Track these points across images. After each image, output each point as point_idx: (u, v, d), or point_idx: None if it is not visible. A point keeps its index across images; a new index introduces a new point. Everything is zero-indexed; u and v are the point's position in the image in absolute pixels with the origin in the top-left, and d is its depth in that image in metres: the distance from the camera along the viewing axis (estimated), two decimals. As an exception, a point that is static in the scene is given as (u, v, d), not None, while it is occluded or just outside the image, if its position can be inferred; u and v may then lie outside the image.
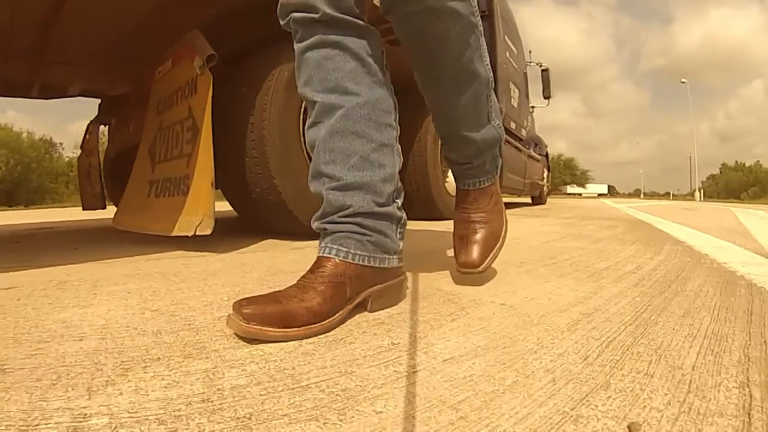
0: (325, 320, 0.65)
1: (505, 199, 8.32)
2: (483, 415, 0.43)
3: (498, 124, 0.97)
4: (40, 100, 3.08)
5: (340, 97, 0.74)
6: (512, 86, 4.60)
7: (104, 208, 3.14)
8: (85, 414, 0.43)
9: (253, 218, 2.00)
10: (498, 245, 0.98)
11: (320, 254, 0.73)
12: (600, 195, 45.13)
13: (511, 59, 4.59)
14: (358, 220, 0.74)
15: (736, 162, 59.73)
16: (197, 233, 1.44)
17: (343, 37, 0.74)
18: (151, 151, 1.93)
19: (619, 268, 1.25)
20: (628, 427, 0.40)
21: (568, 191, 50.38)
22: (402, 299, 0.84)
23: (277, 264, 1.30)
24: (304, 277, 0.71)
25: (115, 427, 0.40)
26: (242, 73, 1.80)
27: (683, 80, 42.08)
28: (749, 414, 0.42)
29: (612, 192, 51.94)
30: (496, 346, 0.62)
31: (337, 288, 0.69)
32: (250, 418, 0.42)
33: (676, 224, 2.99)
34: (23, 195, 26.48)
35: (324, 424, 0.41)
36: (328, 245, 0.73)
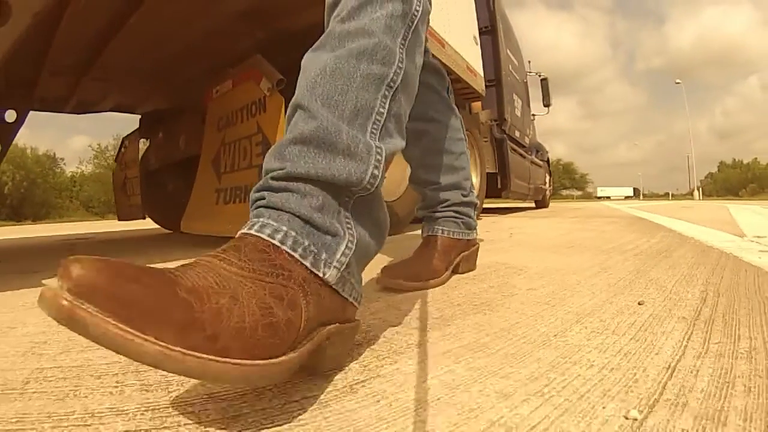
0: (443, 275, 1.02)
1: (511, 204, 8.80)
2: (567, 298, 0.80)
3: (377, 151, 0.54)
4: (39, 114, 3.34)
5: (426, 124, 1.08)
6: (515, 96, 5.04)
7: (143, 218, 3.48)
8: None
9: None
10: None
11: (429, 234, 1.10)
12: (627, 197, 46.67)
13: (513, 71, 5.03)
14: (454, 208, 1.10)
15: (734, 159, 60.97)
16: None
17: (428, 79, 1.08)
18: (215, 163, 2.28)
19: (622, 247, 1.63)
20: (639, 303, 0.78)
21: (598, 195, 51.68)
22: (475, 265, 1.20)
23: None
24: (421, 252, 1.06)
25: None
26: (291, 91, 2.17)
27: (678, 81, 43.17)
28: (704, 300, 0.80)
29: (637, 194, 53.58)
30: (554, 284, 0.99)
31: (447, 255, 1.06)
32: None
33: (672, 219, 3.39)
34: (29, 210, 26.66)
35: (470, 308, 0.79)
36: (434, 226, 1.10)
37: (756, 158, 59.06)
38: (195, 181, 2.46)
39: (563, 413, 0.40)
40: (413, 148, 1.07)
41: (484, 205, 5.32)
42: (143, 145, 3.56)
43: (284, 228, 0.46)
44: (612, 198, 43.58)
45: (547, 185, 7.75)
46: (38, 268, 1.64)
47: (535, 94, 6.72)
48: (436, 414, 0.40)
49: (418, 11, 0.64)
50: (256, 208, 0.50)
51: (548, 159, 7.95)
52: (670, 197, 47.52)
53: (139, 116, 3.54)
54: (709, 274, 1.05)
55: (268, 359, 0.37)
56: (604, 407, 0.41)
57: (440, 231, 1.08)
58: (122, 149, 3.66)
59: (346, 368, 0.52)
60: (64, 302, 0.30)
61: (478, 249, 1.21)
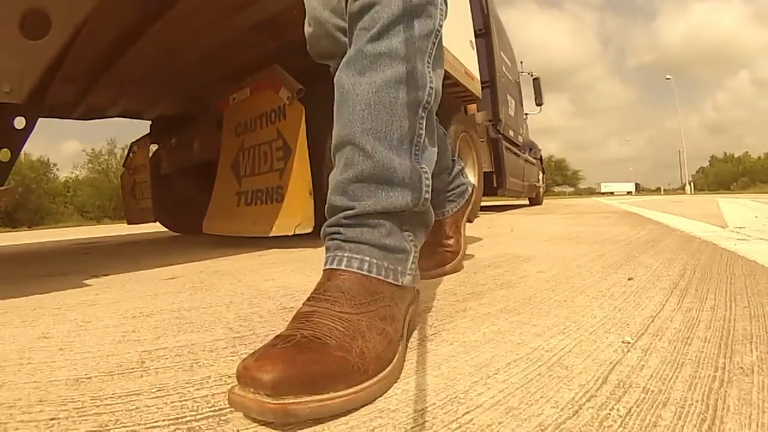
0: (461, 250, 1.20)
1: (506, 202, 9.04)
2: (570, 278, 1.00)
3: (425, 174, 0.65)
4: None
5: None
6: (509, 97, 5.26)
7: (154, 221, 3.63)
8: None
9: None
10: (349, 392, 0.50)
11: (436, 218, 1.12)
12: (628, 192, 47.76)
13: (506, 72, 5.25)
14: (448, 189, 1.21)
15: (725, 153, 61.77)
16: (296, 232, 1.97)
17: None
18: (234, 167, 2.46)
19: (614, 238, 1.84)
20: (629, 279, 0.98)
21: (603, 190, 52.73)
22: None
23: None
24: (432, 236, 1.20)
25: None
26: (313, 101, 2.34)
27: (668, 77, 43.90)
28: (682, 276, 1.00)
29: (638, 189, 55.06)
30: (558, 268, 1.19)
31: (457, 229, 1.21)
32: (460, 286, 0.99)
33: (661, 213, 3.62)
34: (24, 216, 26.37)
35: (494, 286, 0.99)
36: (440, 210, 1.20)
37: (747, 152, 60.01)
38: (215, 184, 2.63)
39: (580, 342, 0.59)
40: None
41: (481, 203, 5.52)
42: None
43: (367, 258, 0.57)
44: (615, 193, 44.51)
45: (541, 182, 8.00)
46: (66, 270, 1.77)
47: (527, 92, 6.97)
48: (495, 347, 0.60)
49: (441, 25, 0.67)
50: (333, 240, 0.60)
51: (541, 157, 8.19)
52: (662, 192, 48.32)
53: (150, 121, 3.69)
54: (689, 258, 1.26)
55: (390, 363, 0.50)
56: (607, 337, 0.60)
57: (447, 212, 1.20)
58: (131, 154, 3.81)
59: (419, 327, 0.71)
60: (272, 405, 0.39)
61: (474, 191, 1.29)
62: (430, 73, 0.64)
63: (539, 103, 7.05)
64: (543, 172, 8.36)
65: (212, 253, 2.03)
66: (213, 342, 0.69)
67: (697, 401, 0.42)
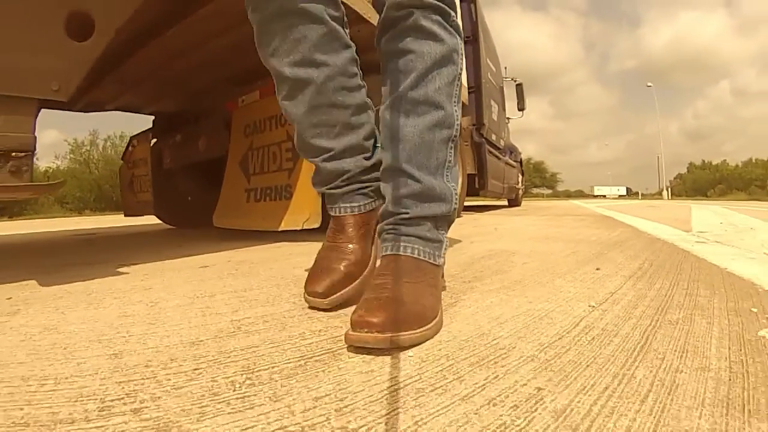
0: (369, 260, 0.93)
1: (487, 202, 9.41)
2: (550, 267, 1.26)
3: (454, 189, 0.85)
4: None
5: (309, 70, 0.84)
6: (492, 102, 5.55)
7: (154, 214, 3.78)
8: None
9: None
10: (420, 330, 0.67)
11: (337, 214, 0.95)
12: (620, 196, 49.02)
13: (491, 78, 5.54)
14: (357, 177, 0.93)
15: (703, 161, 63.66)
16: (304, 227, 2.20)
17: (304, 4, 0.81)
18: (243, 165, 2.66)
19: (588, 239, 2.12)
20: (596, 269, 1.24)
21: (596, 193, 53.90)
22: None
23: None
24: (335, 238, 0.94)
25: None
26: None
27: (649, 84, 45.39)
28: (640, 268, 1.27)
29: (630, 193, 56.62)
30: (540, 260, 1.45)
31: (367, 233, 0.94)
32: (464, 272, 1.24)
33: (634, 217, 3.95)
34: (3, 206, 25.64)
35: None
36: (341, 205, 0.94)
37: (725, 160, 61.89)
38: (223, 181, 2.83)
39: (559, 306, 0.85)
40: (295, 106, 0.89)
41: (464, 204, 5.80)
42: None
43: (417, 246, 0.79)
44: (607, 196, 45.70)
45: (520, 185, 8.36)
46: (89, 260, 1.91)
47: (510, 94, 7.27)
48: (501, 309, 0.85)
49: (462, 67, 0.86)
50: (391, 234, 0.81)
51: (521, 160, 8.55)
52: (640, 197, 49.78)
53: (152, 117, 3.84)
54: (649, 255, 1.54)
55: (438, 314, 0.73)
56: (578, 304, 0.87)
57: (348, 210, 0.94)
58: (130, 148, 3.96)
59: (443, 298, 0.95)
60: (381, 337, 0.61)
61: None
62: (456, 111, 0.84)
63: (521, 108, 7.38)
64: (522, 175, 8.72)
65: (224, 246, 2.23)
66: (287, 312, 0.86)
67: (636, 335, 0.68)
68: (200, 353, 0.63)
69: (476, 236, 2.34)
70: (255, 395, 0.50)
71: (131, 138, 3.96)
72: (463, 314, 0.82)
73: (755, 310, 0.82)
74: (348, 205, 0.94)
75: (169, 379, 0.54)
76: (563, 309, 0.83)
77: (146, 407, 0.47)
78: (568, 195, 62.60)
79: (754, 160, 54.66)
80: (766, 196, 30.19)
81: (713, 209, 6.12)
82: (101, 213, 17.55)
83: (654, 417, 0.43)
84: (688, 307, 0.84)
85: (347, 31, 0.90)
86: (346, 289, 0.87)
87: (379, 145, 0.93)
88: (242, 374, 0.56)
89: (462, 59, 0.87)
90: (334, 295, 0.85)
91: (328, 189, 0.95)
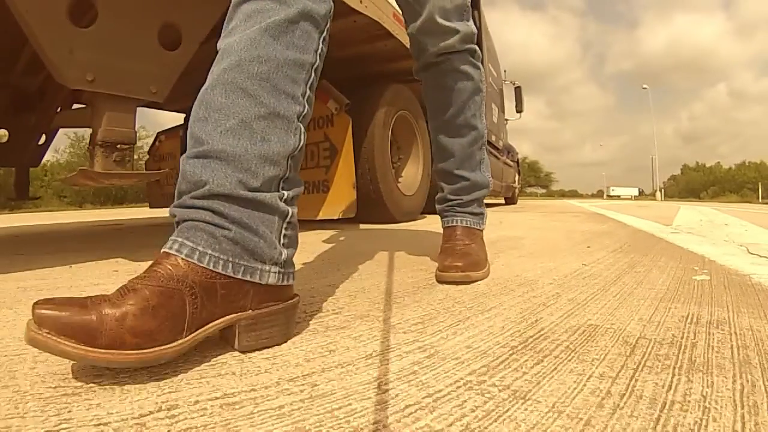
0: (146, 346, 0.49)
1: (486, 200, 9.73)
2: (553, 246, 1.68)
3: (488, 176, 1.23)
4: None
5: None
6: (493, 105, 5.99)
7: (178, 206, 4.14)
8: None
9: (364, 211, 2.95)
10: (481, 271, 1.09)
11: (163, 249, 0.58)
12: (634, 197, 49.59)
13: (492, 82, 5.98)
14: (215, 204, 0.58)
15: (697, 163, 64.50)
16: (340, 217, 2.60)
17: None
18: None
19: (581, 229, 2.56)
20: (588, 246, 1.67)
21: (612, 193, 54.11)
22: (290, 335, 0.65)
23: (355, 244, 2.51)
24: (136, 277, 0.55)
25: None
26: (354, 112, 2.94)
27: (644, 86, 46.24)
28: (621, 248, 1.70)
29: (641, 193, 57.44)
30: (543, 243, 1.87)
31: (167, 298, 0.52)
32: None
33: (623, 215, 4.41)
34: (1, 200, 25.37)
35: (509, 248, 1.67)
36: (172, 237, 0.58)
37: (719, 162, 62.49)
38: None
39: (561, 264, 1.28)
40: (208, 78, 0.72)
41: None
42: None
43: (467, 219, 1.20)
44: (622, 197, 46.35)
45: (517, 183, 8.83)
46: (146, 243, 2.35)
47: (508, 95, 7.70)
48: (523, 265, 1.27)
49: (485, 90, 1.22)
50: (449, 212, 1.21)
51: (518, 160, 9.02)
52: (632, 198, 50.68)
53: (183, 114, 4.21)
54: (629, 240, 1.97)
55: (488, 263, 1.18)
56: (574, 263, 1.29)
57: (176, 246, 0.56)
58: (156, 143, 4.33)
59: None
60: (461, 274, 1.02)
61: (293, 308, 0.69)
62: (484, 124, 1.20)
63: (519, 110, 7.83)
64: (519, 174, 9.19)
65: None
66: (347, 279, 1.33)
67: (612, 276, 1.10)
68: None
69: (488, 226, 2.76)
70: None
71: (158, 134, 4.33)
72: (500, 266, 1.24)
73: (696, 268, 1.25)
74: (180, 240, 0.59)
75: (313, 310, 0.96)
76: (563, 266, 1.25)
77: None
78: (562, 194, 63.73)
79: (747, 163, 55.78)
80: (758, 199, 31.03)
81: (700, 209, 6.60)
82: (102, 207, 17.61)
83: (618, 302, 0.85)
84: (649, 266, 1.27)
85: (325, 45, 0.74)
86: (473, 273, 1.10)
87: (286, 192, 0.71)
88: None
89: (484, 84, 1.22)
90: (462, 272, 1.08)
91: (173, 207, 0.67)
